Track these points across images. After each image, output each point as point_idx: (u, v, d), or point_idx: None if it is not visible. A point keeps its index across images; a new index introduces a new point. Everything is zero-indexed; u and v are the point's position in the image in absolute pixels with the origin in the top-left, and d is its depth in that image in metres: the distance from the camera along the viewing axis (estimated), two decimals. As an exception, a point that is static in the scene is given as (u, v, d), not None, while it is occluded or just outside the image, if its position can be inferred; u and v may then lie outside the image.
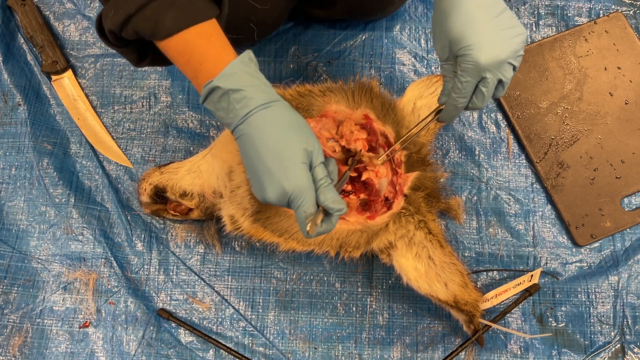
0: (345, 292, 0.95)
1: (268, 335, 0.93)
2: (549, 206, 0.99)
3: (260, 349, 0.93)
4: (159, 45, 0.66)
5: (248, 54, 0.65)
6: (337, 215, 0.63)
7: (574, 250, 0.97)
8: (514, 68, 0.66)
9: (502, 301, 0.91)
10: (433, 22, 0.69)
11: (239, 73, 0.62)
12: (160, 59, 0.71)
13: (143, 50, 0.71)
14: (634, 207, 0.98)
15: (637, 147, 1.00)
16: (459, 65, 0.65)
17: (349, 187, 0.86)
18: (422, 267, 0.83)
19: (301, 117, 0.66)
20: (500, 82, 0.66)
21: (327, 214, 0.64)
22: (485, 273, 0.96)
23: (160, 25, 0.62)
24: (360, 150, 0.85)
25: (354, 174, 0.85)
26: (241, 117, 0.62)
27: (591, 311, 0.93)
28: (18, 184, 1.00)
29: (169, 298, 0.95)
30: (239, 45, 1.04)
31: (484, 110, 1.03)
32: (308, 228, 0.62)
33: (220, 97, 0.63)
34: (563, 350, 0.91)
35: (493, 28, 0.63)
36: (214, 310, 0.94)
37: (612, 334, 0.92)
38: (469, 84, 0.65)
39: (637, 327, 0.92)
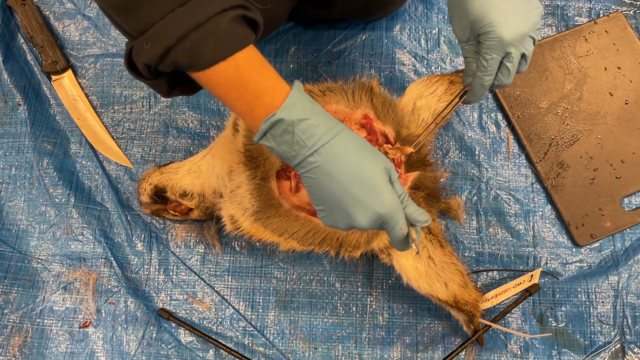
0: (345, 292, 0.95)
1: (268, 335, 0.93)
2: (549, 206, 0.99)
3: (260, 349, 0.93)
4: (200, 76, 0.61)
5: (300, 83, 0.62)
6: (424, 225, 0.63)
7: (574, 250, 0.97)
8: (534, 41, 0.68)
9: (502, 301, 0.91)
10: (450, 5, 0.70)
11: (300, 103, 0.59)
12: (190, 88, 0.68)
13: (173, 80, 0.67)
14: (634, 207, 0.98)
15: (637, 147, 1.00)
16: (482, 44, 0.67)
17: None
18: (422, 267, 0.83)
19: (360, 137, 0.64)
20: (523, 56, 0.68)
21: (411, 225, 0.63)
22: (485, 273, 0.96)
23: (202, 54, 0.58)
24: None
25: None
26: (309, 148, 0.59)
27: (591, 311, 0.93)
28: (18, 184, 1.00)
29: (169, 298, 0.95)
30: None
31: (484, 110, 1.03)
32: (416, 248, 0.62)
33: (283, 130, 0.59)
34: (563, 350, 0.91)
35: (512, 4, 0.65)
36: (214, 310, 0.94)
37: (612, 334, 0.92)
38: (494, 61, 0.67)
39: (637, 327, 0.92)
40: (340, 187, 0.59)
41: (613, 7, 1.08)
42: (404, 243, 0.63)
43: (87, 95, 1.05)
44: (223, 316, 0.94)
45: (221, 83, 0.61)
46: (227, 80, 0.60)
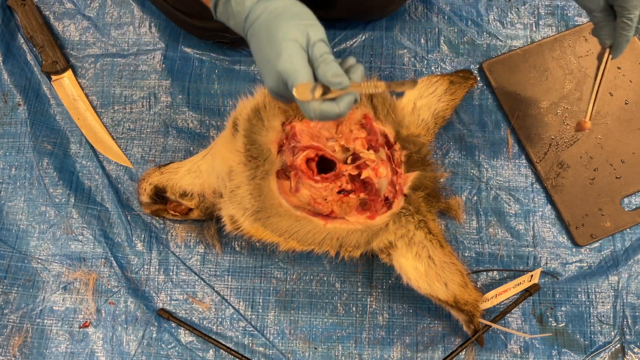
0: (345, 292, 0.95)
1: (268, 335, 0.93)
2: (549, 206, 0.99)
3: (260, 349, 0.93)
4: None
5: None
6: (335, 88, 0.60)
7: (574, 250, 0.97)
8: None
9: (502, 301, 0.91)
10: None
11: None
12: None
13: None
14: (634, 207, 0.98)
15: (637, 147, 1.00)
16: (620, 7, 0.74)
17: (349, 187, 0.86)
18: (422, 267, 0.83)
19: (302, 6, 0.65)
20: None
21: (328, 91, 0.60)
22: (485, 273, 0.96)
23: None
24: None
25: (354, 172, 0.85)
26: (243, 19, 0.64)
27: (591, 311, 0.93)
28: (18, 184, 1.00)
29: (169, 298, 0.95)
30: (239, 45, 1.05)
31: (484, 110, 1.03)
32: (295, 92, 0.58)
33: (224, 4, 0.65)
34: (563, 350, 0.91)
35: None
36: (214, 310, 0.94)
37: (612, 334, 0.92)
38: (637, 17, 0.75)
39: (637, 327, 0.92)
40: (259, 50, 0.63)
41: (613, 7, 1.08)
42: (307, 106, 0.60)
43: (87, 95, 1.05)
44: (223, 316, 0.94)
45: None
46: None
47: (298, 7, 0.64)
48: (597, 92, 0.86)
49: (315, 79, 0.61)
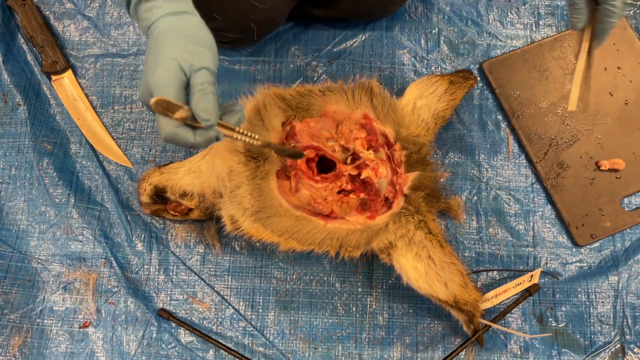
0: (345, 292, 0.95)
1: (268, 335, 0.93)
2: (549, 206, 0.99)
3: (260, 349, 0.93)
4: None
5: None
6: (207, 128, 0.60)
7: (574, 250, 0.97)
8: None
9: (502, 301, 0.91)
10: None
11: None
12: None
13: None
14: (634, 207, 0.98)
15: (637, 147, 1.00)
16: None
17: (349, 187, 0.86)
18: (422, 266, 0.83)
19: (206, 31, 0.66)
20: None
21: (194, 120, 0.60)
22: (485, 273, 0.96)
23: None
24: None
25: (354, 172, 0.85)
26: (149, 26, 0.65)
27: (591, 311, 0.93)
28: (18, 184, 1.00)
29: (169, 298, 0.95)
30: (239, 45, 1.05)
31: (484, 110, 1.03)
32: (153, 103, 0.57)
33: (135, 5, 0.66)
34: (563, 350, 0.91)
35: None
36: (214, 310, 0.94)
37: (612, 334, 0.92)
38: (620, 3, 0.73)
39: (637, 327, 0.92)
40: (146, 59, 0.64)
41: (613, 7, 1.08)
42: (160, 123, 0.60)
43: (87, 95, 1.05)
44: (223, 316, 0.94)
45: None
46: None
47: (197, 30, 0.65)
48: (583, 77, 0.84)
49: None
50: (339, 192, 0.86)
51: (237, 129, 0.66)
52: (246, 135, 0.68)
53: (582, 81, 0.84)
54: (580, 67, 0.84)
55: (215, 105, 0.60)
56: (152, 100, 0.57)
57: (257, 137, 0.69)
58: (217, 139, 0.63)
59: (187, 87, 0.62)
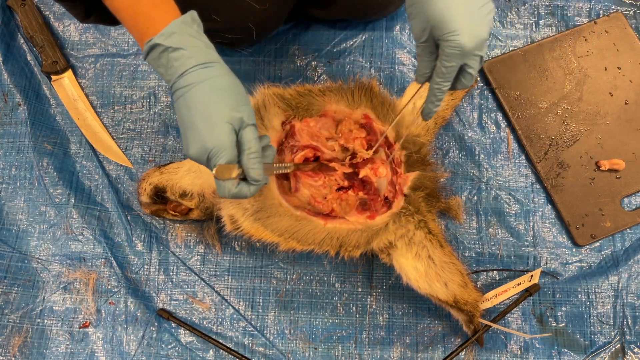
0: (345, 292, 0.95)
1: (268, 335, 0.93)
2: (549, 206, 0.99)
3: (260, 349, 0.93)
4: (107, 2, 0.68)
5: (191, 14, 0.66)
6: (251, 182, 0.64)
7: (574, 250, 0.97)
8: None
9: (502, 301, 0.91)
10: (408, 4, 0.67)
11: (179, 33, 0.64)
12: (107, 18, 0.72)
13: (90, 7, 0.72)
14: (634, 207, 0.98)
15: (637, 147, 1.00)
16: (442, 50, 0.64)
17: (346, 183, 0.86)
18: (422, 266, 0.83)
19: (239, 83, 0.68)
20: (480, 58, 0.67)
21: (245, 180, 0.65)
22: (485, 273, 0.96)
23: None
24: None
25: (349, 170, 0.85)
26: (178, 75, 0.64)
27: (591, 311, 0.93)
28: (18, 184, 1.00)
29: (169, 298, 0.95)
30: (238, 45, 1.05)
31: (484, 110, 1.03)
32: (214, 172, 0.62)
33: (160, 54, 0.65)
34: (563, 350, 0.91)
35: (471, 9, 0.63)
36: (214, 310, 0.94)
37: (612, 334, 0.92)
38: (453, 68, 0.66)
39: (637, 327, 0.92)
40: (188, 113, 0.64)
41: (613, 7, 1.08)
42: (220, 185, 0.63)
43: (87, 95, 1.05)
44: (223, 316, 0.94)
45: (122, 10, 0.67)
46: (126, 9, 0.67)
47: (234, 84, 0.67)
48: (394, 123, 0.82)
49: (239, 158, 0.64)
50: (338, 190, 0.86)
51: (274, 164, 0.71)
52: (281, 167, 0.73)
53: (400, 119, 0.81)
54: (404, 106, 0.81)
55: (262, 168, 0.64)
56: (216, 169, 0.62)
57: (289, 165, 0.75)
58: (266, 183, 0.67)
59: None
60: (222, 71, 0.66)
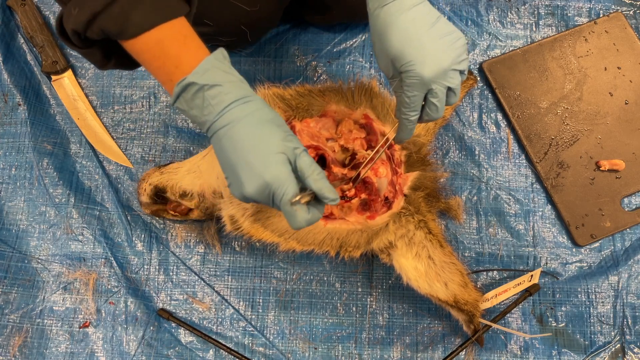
0: (345, 292, 0.95)
1: (268, 335, 0.93)
2: (549, 206, 0.99)
3: (260, 349, 0.93)
4: (127, 45, 0.62)
5: (221, 51, 0.64)
6: (328, 203, 0.62)
7: (574, 250, 0.97)
8: (461, 72, 0.66)
9: (502, 301, 0.91)
10: (373, 41, 0.68)
11: (213, 69, 0.61)
12: (127, 61, 0.68)
13: (108, 51, 0.67)
14: (634, 207, 0.98)
15: (637, 147, 1.00)
16: (403, 81, 0.65)
17: (353, 192, 0.86)
18: (422, 266, 0.83)
19: (277, 113, 0.65)
20: (450, 89, 0.66)
21: (316, 200, 0.62)
22: (485, 273, 0.96)
23: (129, 22, 0.59)
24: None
25: (351, 174, 0.85)
26: (217, 113, 0.61)
27: (591, 311, 0.93)
28: (18, 184, 1.00)
29: (169, 298, 0.95)
30: (234, 48, 1.04)
31: (484, 110, 1.03)
32: (291, 207, 0.59)
33: (194, 94, 0.60)
34: (563, 350, 0.91)
35: (431, 39, 0.63)
36: (214, 310, 0.94)
37: (612, 334, 0.92)
38: (416, 98, 0.65)
39: (637, 327, 0.92)
40: (235, 151, 0.60)
41: (613, 7, 1.08)
42: (296, 217, 0.60)
43: (87, 95, 1.05)
44: (223, 316, 0.94)
45: (145, 52, 0.62)
46: (150, 50, 0.62)
47: (275, 115, 0.64)
48: (372, 162, 0.80)
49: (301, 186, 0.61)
50: (341, 198, 0.86)
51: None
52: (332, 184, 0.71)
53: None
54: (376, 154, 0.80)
55: (329, 183, 0.61)
56: (289, 203, 0.59)
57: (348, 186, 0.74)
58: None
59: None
60: (261, 104, 0.63)
